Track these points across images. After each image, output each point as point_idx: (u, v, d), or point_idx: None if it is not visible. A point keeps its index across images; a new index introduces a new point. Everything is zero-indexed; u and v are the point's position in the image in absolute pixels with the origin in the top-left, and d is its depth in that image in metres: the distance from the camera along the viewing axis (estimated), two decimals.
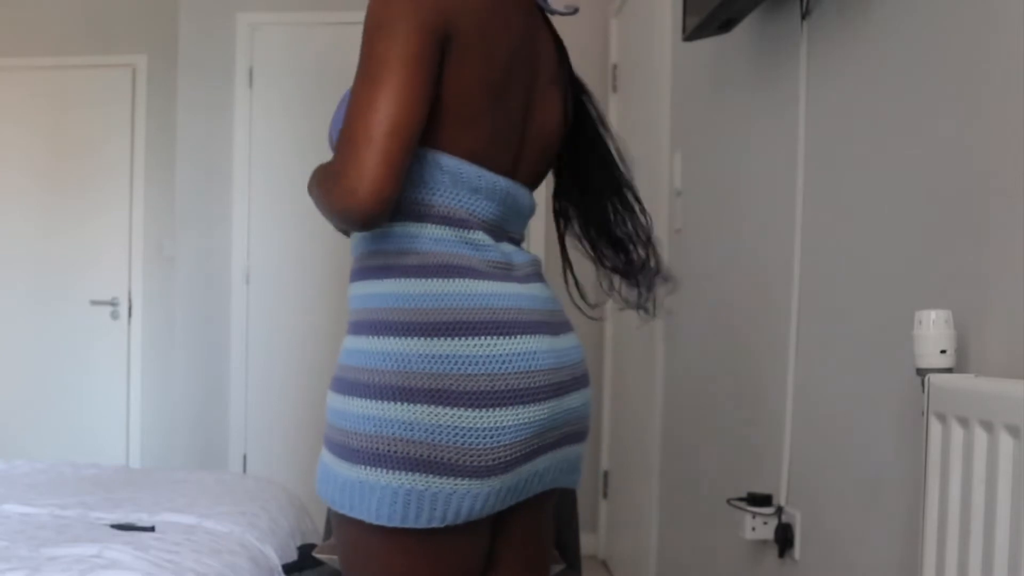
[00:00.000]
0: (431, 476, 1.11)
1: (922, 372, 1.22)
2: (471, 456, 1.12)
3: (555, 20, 1.47)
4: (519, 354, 1.16)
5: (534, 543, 1.34)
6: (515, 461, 1.16)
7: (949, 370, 1.21)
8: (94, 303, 4.67)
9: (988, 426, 1.05)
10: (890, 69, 1.48)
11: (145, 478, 2.53)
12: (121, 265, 4.67)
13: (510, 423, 1.14)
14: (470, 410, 1.12)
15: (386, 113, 1.07)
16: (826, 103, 1.72)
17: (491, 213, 1.22)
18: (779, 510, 1.86)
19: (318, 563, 2.02)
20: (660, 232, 2.95)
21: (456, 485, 1.12)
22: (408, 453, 1.11)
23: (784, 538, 1.83)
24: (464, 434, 1.12)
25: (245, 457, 4.15)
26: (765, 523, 1.87)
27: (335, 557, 1.55)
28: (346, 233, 1.25)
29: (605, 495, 3.86)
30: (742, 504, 1.91)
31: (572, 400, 1.26)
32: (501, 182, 1.22)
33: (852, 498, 1.58)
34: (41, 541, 1.77)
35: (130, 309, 4.67)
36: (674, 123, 2.88)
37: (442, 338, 1.13)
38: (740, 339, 2.18)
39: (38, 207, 4.70)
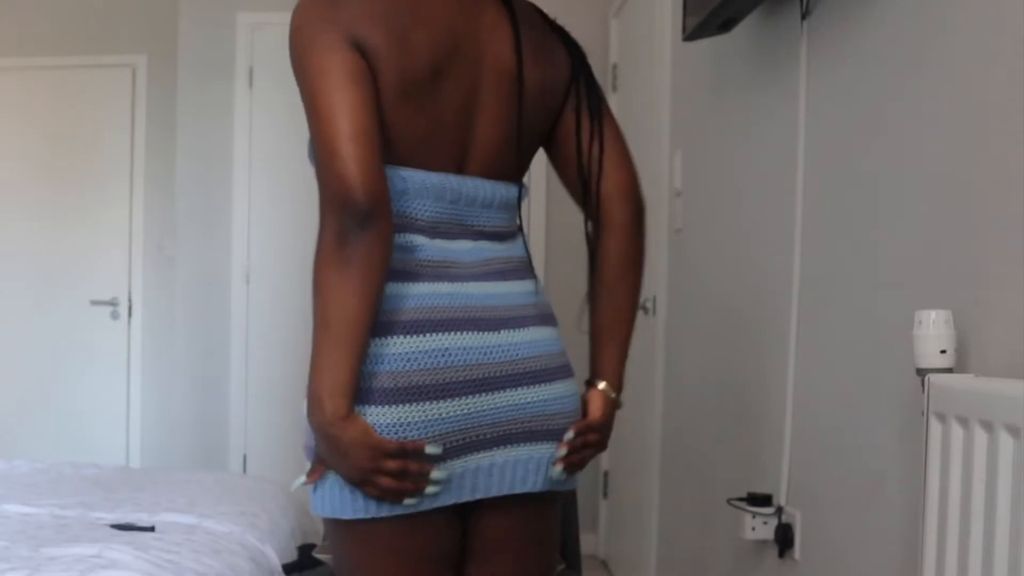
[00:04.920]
0: None
1: (922, 372, 1.22)
2: None
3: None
4: (427, 351, 1.18)
5: (517, 547, 1.31)
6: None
7: (949, 370, 1.21)
8: (94, 303, 4.66)
9: (988, 426, 1.05)
10: (890, 69, 1.48)
11: (145, 478, 2.53)
12: (121, 265, 4.67)
13: (416, 419, 1.17)
14: (373, 406, 1.16)
15: (342, 120, 1.11)
16: (826, 103, 1.72)
17: (428, 212, 1.23)
18: (779, 510, 1.86)
19: (318, 563, 2.02)
20: (660, 232, 2.95)
21: None
22: None
23: (784, 538, 1.83)
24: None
25: (245, 457, 4.14)
26: (765, 523, 1.87)
27: None
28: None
29: (605, 495, 3.86)
30: (742, 504, 1.91)
31: (517, 396, 1.24)
32: (433, 178, 1.22)
33: (852, 498, 1.58)
34: (41, 541, 1.77)
35: (130, 309, 4.66)
36: (674, 123, 2.88)
37: None
38: (740, 339, 2.18)
39: (38, 207, 4.69)
